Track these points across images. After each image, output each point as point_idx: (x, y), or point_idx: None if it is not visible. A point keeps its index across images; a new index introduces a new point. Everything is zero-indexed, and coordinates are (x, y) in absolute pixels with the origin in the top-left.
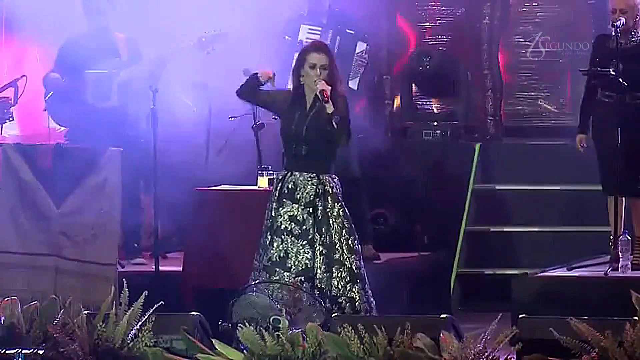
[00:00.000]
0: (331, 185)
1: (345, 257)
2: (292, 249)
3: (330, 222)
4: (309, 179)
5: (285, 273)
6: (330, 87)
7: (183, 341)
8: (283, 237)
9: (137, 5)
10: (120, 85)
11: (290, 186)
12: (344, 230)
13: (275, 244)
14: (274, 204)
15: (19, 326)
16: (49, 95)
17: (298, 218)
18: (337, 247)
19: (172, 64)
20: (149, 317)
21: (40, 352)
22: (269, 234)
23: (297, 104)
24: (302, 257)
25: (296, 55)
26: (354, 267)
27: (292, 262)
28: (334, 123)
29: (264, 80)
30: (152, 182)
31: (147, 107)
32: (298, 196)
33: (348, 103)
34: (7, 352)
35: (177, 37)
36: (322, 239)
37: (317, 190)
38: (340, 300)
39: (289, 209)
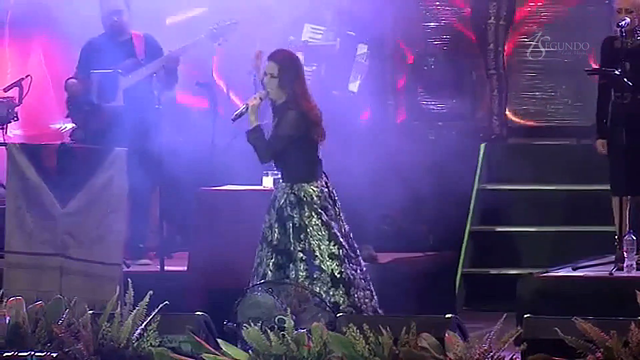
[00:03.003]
0: (306, 193)
1: (326, 263)
2: (261, 255)
3: (308, 230)
4: (284, 187)
5: (255, 279)
6: (259, 102)
7: (188, 341)
8: (263, 244)
9: (149, 2)
10: (133, 85)
11: (275, 194)
12: (323, 238)
13: (257, 250)
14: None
15: (23, 326)
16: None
17: (274, 227)
18: (316, 253)
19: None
20: (154, 316)
21: (54, 354)
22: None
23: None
24: (270, 265)
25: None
26: (335, 273)
27: (262, 269)
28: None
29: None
30: (157, 182)
31: (152, 106)
32: (276, 205)
33: (299, 120)
34: (19, 354)
35: (190, 31)
36: (301, 245)
37: (290, 200)
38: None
39: (269, 217)
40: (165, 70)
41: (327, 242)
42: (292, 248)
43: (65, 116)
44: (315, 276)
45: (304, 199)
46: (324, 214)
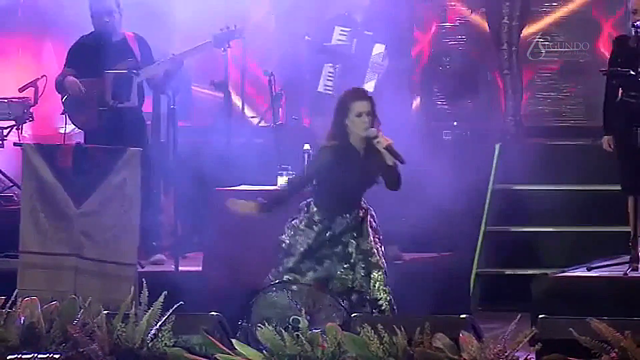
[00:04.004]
0: (368, 211)
1: (382, 261)
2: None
3: (364, 233)
4: (350, 215)
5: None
6: (391, 140)
7: (203, 341)
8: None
9: (152, 3)
10: (138, 85)
11: (334, 228)
12: (376, 237)
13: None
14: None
15: (38, 326)
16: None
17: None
18: (373, 250)
19: (189, 61)
20: (169, 317)
21: (57, 356)
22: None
23: (346, 155)
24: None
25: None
26: (386, 270)
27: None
28: (393, 177)
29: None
30: (171, 182)
31: (166, 106)
32: (335, 231)
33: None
34: (23, 357)
35: (193, 34)
36: (358, 247)
37: (349, 223)
38: (380, 302)
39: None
40: (164, 73)
41: (380, 244)
42: (352, 259)
43: (60, 113)
44: (373, 274)
45: (366, 216)
46: (372, 221)
